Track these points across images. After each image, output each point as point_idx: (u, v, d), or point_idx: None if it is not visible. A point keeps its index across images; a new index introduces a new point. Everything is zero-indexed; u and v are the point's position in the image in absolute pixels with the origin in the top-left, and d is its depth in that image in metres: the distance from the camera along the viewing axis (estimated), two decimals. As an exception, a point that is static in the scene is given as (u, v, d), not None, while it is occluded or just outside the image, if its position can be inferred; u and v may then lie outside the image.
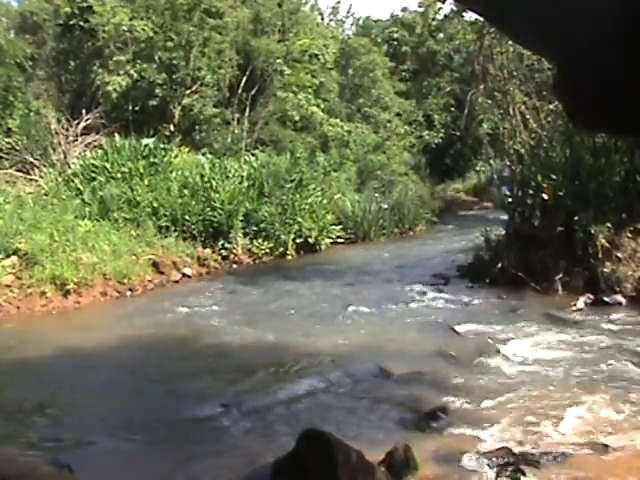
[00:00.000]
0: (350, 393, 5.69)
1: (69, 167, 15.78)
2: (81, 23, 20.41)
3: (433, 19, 28.61)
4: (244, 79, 21.55)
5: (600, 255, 8.77)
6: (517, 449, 4.20)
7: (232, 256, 13.59)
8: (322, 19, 30.52)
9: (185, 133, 20.92)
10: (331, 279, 11.50)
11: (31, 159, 16.32)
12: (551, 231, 9.21)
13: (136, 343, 7.70)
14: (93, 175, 14.11)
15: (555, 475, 3.94)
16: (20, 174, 15.82)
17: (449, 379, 5.83)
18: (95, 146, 16.56)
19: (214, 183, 14.08)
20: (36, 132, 17.11)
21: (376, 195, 19.15)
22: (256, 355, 7.04)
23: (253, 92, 21.77)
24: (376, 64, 26.00)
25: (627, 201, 9.01)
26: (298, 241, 14.63)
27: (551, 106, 11.68)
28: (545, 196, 9.25)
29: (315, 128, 22.35)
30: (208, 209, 13.63)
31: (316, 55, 23.79)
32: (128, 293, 10.84)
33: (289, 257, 14.25)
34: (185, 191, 13.95)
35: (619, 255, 8.78)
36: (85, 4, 20.23)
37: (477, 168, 27.99)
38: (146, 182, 13.92)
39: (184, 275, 12.27)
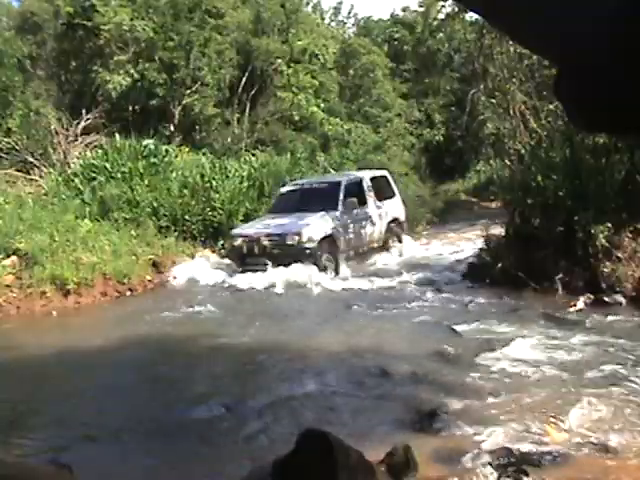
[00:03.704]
0: (350, 393, 5.69)
1: (69, 167, 15.80)
2: (84, 22, 20.41)
3: (434, 19, 28.62)
4: (244, 79, 21.56)
5: (600, 255, 8.75)
6: (517, 449, 4.20)
7: (232, 256, 13.58)
8: (323, 19, 30.51)
9: (185, 133, 20.95)
10: (331, 279, 11.48)
11: (31, 159, 16.33)
12: (551, 231, 9.19)
13: (136, 343, 7.71)
14: (93, 175, 14.14)
15: (556, 476, 3.93)
16: (20, 174, 15.84)
17: (449, 379, 5.83)
18: (95, 146, 16.58)
19: (214, 183, 14.09)
20: (36, 132, 17.12)
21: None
22: (256, 355, 7.04)
23: (253, 92, 21.78)
24: (376, 64, 26.00)
25: (627, 201, 8.99)
26: (298, 241, 14.60)
27: (551, 106, 11.67)
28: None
29: (315, 128, 22.36)
30: (208, 209, 13.64)
31: (316, 55, 23.80)
32: (128, 293, 10.85)
33: (289, 257, 14.22)
34: (185, 191, 13.97)
35: (619, 255, 8.75)
36: (88, 3, 20.24)
37: (477, 168, 27.96)
38: (146, 182, 13.95)
39: (184, 275, 12.26)
